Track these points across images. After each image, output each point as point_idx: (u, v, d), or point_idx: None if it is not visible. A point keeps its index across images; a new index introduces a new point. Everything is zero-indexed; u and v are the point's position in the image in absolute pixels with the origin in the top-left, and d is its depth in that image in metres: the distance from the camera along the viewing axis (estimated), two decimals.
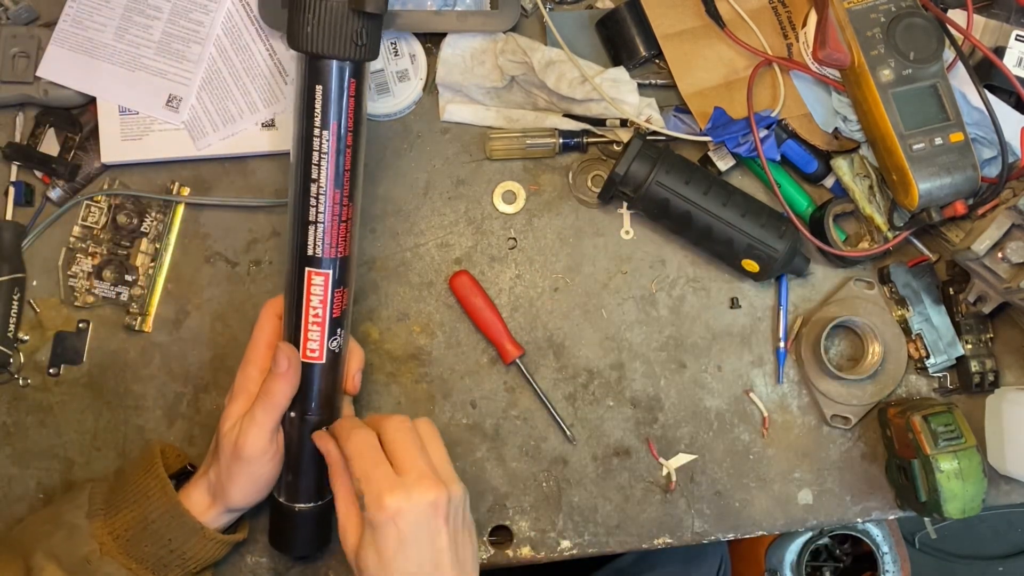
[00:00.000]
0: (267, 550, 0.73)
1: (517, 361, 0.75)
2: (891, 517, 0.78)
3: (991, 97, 0.71)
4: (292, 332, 0.65)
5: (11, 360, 0.74)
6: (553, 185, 0.78)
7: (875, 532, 1.26)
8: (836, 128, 0.75)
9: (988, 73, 0.73)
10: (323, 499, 0.68)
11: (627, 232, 0.78)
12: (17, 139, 0.76)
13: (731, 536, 0.76)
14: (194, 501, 0.65)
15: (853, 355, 0.78)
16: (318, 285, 0.64)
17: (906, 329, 0.76)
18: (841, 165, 0.75)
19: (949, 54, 0.71)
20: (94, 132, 0.75)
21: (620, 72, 0.75)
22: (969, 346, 0.76)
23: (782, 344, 0.77)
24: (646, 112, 0.75)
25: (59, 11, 0.74)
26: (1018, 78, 0.71)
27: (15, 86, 0.74)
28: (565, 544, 0.75)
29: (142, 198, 0.76)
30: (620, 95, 0.75)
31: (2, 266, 0.73)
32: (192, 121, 0.75)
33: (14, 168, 0.75)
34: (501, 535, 0.76)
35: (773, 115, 0.74)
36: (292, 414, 0.66)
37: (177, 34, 0.75)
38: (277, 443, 0.65)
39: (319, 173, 0.62)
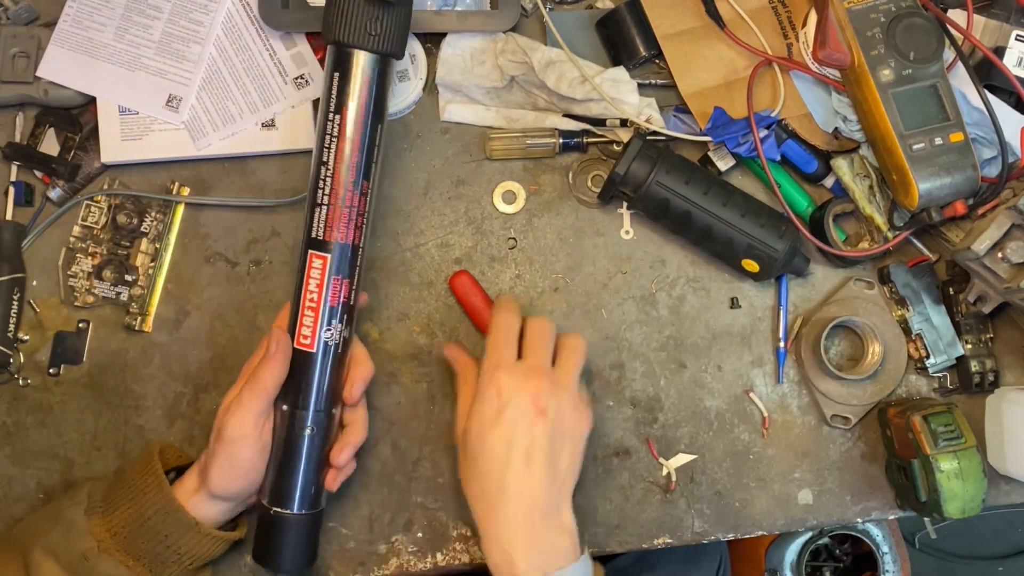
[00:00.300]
0: None
1: None
2: (891, 517, 0.78)
3: (991, 97, 0.71)
4: (292, 320, 0.66)
5: (11, 360, 0.74)
6: (553, 185, 0.78)
7: (875, 532, 1.26)
8: (836, 128, 0.75)
9: (988, 73, 0.73)
10: (313, 509, 0.66)
11: (627, 232, 0.78)
12: (17, 139, 0.76)
13: (731, 536, 0.76)
14: (185, 486, 0.66)
15: (853, 355, 0.78)
16: (317, 268, 0.65)
17: (906, 329, 0.76)
18: (841, 165, 0.75)
19: (949, 54, 0.71)
20: (94, 132, 0.75)
21: (620, 72, 0.75)
22: (969, 346, 0.76)
23: (782, 344, 0.77)
24: (646, 112, 0.75)
25: (59, 11, 0.74)
26: (1018, 78, 0.71)
27: (15, 86, 0.74)
28: None
29: (142, 198, 0.76)
30: (620, 95, 0.75)
31: (2, 266, 0.73)
32: (192, 121, 0.75)
33: (14, 168, 0.75)
34: None
35: (773, 115, 0.74)
36: (284, 407, 0.66)
37: (177, 34, 0.75)
38: (262, 431, 0.65)
39: (328, 156, 0.64)
